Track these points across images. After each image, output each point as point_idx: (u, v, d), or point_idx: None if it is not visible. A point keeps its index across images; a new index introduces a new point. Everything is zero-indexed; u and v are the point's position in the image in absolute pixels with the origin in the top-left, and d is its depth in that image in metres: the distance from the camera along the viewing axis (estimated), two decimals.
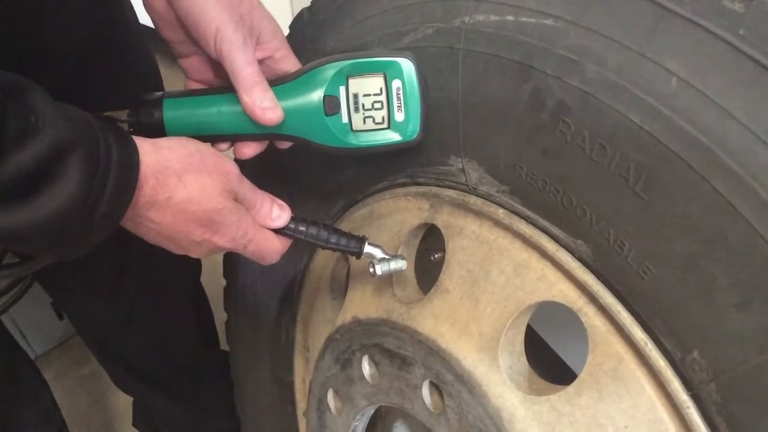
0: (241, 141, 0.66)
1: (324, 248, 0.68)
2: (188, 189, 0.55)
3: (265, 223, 0.63)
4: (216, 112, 0.63)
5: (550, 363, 0.92)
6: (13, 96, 0.45)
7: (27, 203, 0.46)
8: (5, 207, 0.45)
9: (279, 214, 0.64)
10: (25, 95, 0.46)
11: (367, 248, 0.67)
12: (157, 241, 0.59)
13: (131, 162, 0.51)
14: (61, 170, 0.46)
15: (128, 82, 0.83)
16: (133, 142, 0.53)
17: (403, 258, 0.67)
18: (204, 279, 1.24)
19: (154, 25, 0.64)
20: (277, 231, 0.65)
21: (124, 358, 1.21)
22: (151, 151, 0.54)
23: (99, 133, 0.50)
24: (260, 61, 0.61)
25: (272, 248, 0.64)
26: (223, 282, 1.08)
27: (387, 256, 0.67)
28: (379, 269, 0.66)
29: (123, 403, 1.66)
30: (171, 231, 0.56)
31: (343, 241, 0.67)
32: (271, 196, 0.65)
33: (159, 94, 0.64)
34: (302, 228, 0.66)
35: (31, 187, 0.46)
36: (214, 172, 0.57)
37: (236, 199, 0.60)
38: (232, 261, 1.03)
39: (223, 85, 0.65)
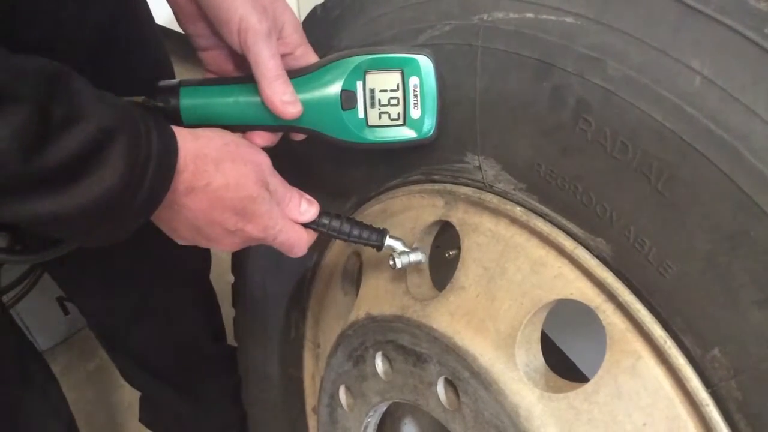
0: (255, 131, 0.66)
1: (346, 241, 0.68)
2: (225, 176, 0.56)
3: (293, 217, 0.64)
4: (233, 101, 0.63)
5: (556, 361, 0.92)
6: (57, 83, 0.46)
7: (73, 188, 0.46)
8: (51, 192, 0.46)
9: (307, 208, 0.65)
10: (69, 82, 0.47)
11: (388, 241, 0.67)
12: (189, 234, 0.59)
13: (171, 147, 0.52)
14: (105, 156, 0.47)
15: (140, 73, 0.83)
16: (171, 128, 0.54)
17: (422, 251, 0.68)
18: (210, 274, 1.24)
19: (176, 18, 0.64)
20: (302, 224, 0.65)
21: (133, 351, 1.22)
22: (190, 139, 0.55)
23: (139, 120, 0.51)
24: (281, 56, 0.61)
25: (301, 240, 0.65)
26: (230, 278, 1.08)
27: (407, 249, 0.68)
28: (399, 262, 0.66)
29: (128, 398, 1.66)
30: (206, 219, 0.57)
31: (365, 234, 0.68)
32: (299, 191, 0.65)
33: (176, 81, 0.64)
34: (325, 221, 0.66)
35: (76, 172, 0.46)
36: (248, 161, 0.58)
37: (268, 190, 0.60)
38: (241, 256, 1.03)
39: (241, 75, 0.65)
